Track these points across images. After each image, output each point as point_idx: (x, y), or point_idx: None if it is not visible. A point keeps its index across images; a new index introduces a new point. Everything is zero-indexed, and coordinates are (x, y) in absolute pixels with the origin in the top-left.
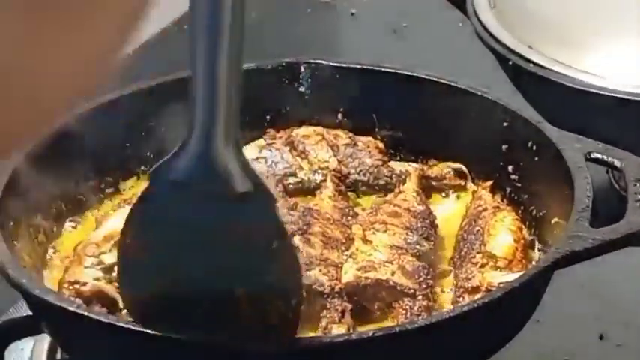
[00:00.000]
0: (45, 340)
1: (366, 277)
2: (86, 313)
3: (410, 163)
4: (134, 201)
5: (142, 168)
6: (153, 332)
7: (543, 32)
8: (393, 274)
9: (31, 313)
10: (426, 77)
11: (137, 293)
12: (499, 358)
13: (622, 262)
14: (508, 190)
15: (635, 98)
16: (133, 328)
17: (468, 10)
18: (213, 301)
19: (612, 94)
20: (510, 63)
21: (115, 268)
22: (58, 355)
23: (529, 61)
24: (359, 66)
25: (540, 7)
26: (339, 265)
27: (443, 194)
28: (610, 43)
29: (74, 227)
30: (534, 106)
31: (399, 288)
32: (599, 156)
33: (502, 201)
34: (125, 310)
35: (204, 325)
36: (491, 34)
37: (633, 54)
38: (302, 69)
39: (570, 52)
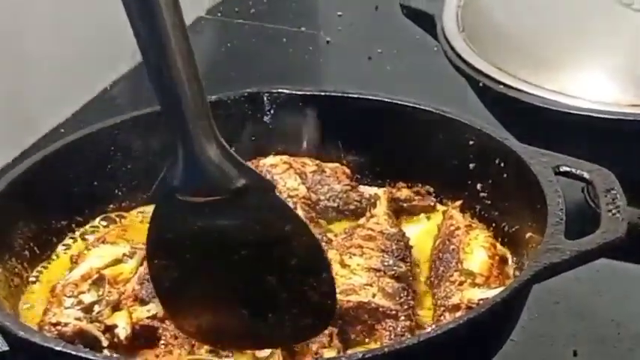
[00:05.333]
0: None
1: (348, 301)
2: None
3: (378, 187)
4: (149, 222)
5: (111, 206)
6: None
7: (512, 53)
8: (374, 296)
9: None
10: (389, 101)
11: (178, 306)
12: None
13: (596, 278)
14: (478, 207)
15: (604, 116)
16: None
17: (438, 34)
18: (252, 297)
19: (581, 113)
20: (480, 85)
21: (95, 307)
22: None
23: (498, 82)
24: (322, 93)
25: (508, 29)
26: None
27: (413, 216)
28: (578, 62)
29: (45, 268)
30: (505, 126)
31: (381, 310)
32: (567, 169)
33: (472, 219)
34: (106, 349)
35: (248, 322)
36: (460, 57)
37: (601, 73)
38: (264, 99)
39: (539, 72)
